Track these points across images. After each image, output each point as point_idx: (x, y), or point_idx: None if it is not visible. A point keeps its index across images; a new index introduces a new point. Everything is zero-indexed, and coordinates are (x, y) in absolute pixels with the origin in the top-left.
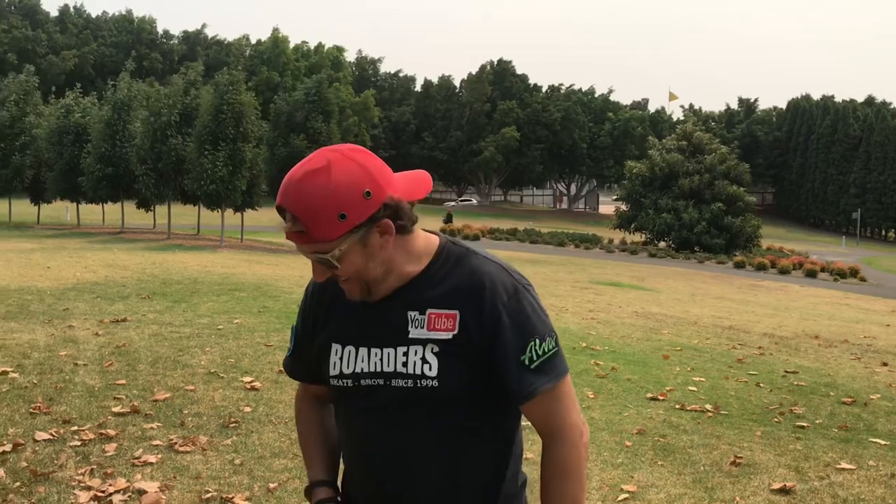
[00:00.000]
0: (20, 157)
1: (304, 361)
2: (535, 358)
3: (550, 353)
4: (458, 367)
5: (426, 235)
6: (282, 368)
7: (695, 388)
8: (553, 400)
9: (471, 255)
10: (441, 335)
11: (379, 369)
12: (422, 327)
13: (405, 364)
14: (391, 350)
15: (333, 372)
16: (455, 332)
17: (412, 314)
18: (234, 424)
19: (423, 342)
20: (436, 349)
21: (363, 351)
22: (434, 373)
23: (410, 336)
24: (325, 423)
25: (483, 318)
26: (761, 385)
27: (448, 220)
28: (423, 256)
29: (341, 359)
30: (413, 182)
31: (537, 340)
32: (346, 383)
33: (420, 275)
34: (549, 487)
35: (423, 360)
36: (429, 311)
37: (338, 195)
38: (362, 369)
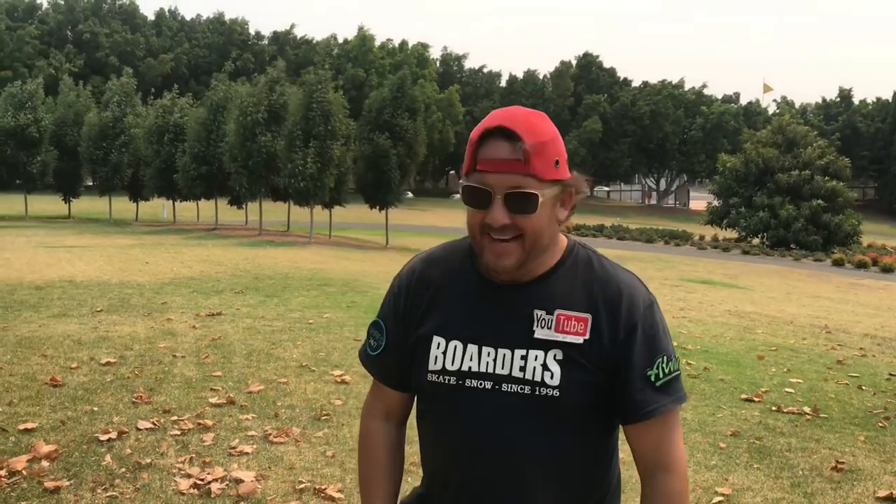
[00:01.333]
0: (118, 154)
1: (395, 359)
2: (661, 375)
3: (675, 373)
4: (582, 377)
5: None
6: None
7: (792, 390)
8: (668, 427)
9: (601, 259)
10: (570, 338)
11: (490, 370)
12: (549, 328)
13: (523, 368)
14: (507, 351)
15: (434, 367)
16: (586, 336)
17: (539, 313)
18: (325, 417)
19: (548, 345)
20: (559, 356)
21: (472, 348)
22: (556, 381)
23: (536, 336)
24: (397, 453)
25: (618, 326)
26: (864, 388)
27: None
28: (556, 252)
29: (444, 353)
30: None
31: (665, 358)
32: (449, 381)
33: (550, 272)
34: None
35: (544, 367)
36: (557, 311)
37: (558, 142)
38: (470, 368)
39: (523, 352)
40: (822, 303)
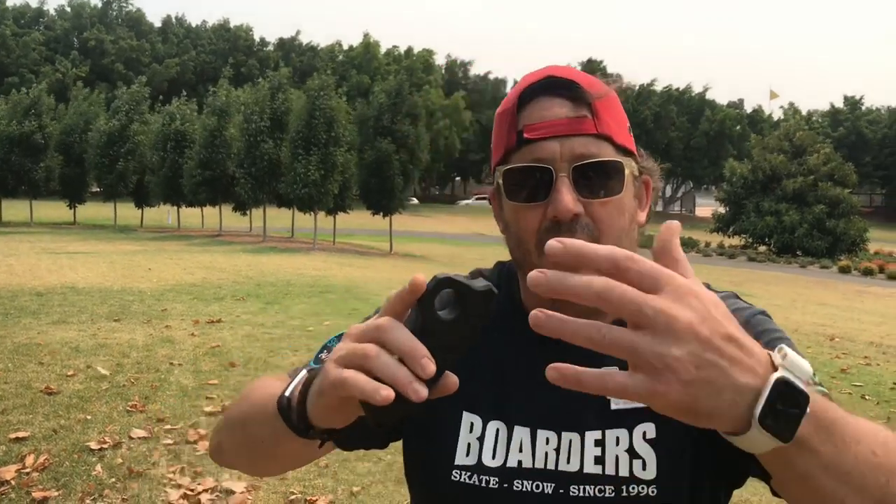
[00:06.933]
0: (124, 162)
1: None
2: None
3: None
4: (685, 458)
5: None
6: None
7: None
8: None
9: None
10: None
11: (552, 466)
12: None
13: (600, 460)
14: (574, 435)
15: (466, 461)
16: None
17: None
18: None
19: (633, 419)
20: (651, 433)
21: (522, 432)
22: (651, 473)
23: (613, 408)
24: None
25: None
26: (867, 397)
27: None
28: None
29: (481, 440)
30: None
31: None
32: (489, 482)
33: None
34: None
35: (632, 453)
36: None
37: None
38: (520, 462)
39: (597, 434)
40: (827, 310)
